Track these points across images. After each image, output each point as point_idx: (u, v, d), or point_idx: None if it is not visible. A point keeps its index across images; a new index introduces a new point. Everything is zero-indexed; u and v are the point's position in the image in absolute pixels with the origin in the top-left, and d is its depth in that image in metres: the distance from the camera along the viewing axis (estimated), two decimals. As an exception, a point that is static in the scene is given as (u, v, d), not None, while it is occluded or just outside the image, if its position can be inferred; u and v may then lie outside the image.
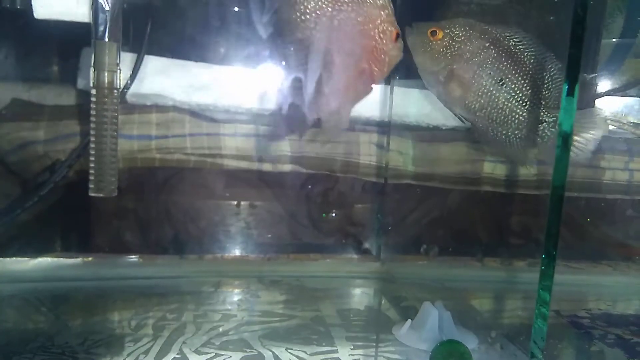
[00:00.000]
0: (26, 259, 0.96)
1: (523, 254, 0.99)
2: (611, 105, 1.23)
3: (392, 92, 1.08)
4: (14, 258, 0.96)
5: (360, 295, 1.01)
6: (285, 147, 1.08)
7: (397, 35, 0.74)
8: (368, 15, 0.72)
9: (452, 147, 1.09)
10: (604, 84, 1.24)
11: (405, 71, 1.08)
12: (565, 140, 0.58)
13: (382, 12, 0.73)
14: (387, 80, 1.10)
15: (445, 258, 1.05)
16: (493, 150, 0.99)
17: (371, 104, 1.08)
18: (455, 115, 0.91)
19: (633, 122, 1.21)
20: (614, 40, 1.24)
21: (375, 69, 0.75)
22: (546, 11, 0.98)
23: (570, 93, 0.59)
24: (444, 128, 1.09)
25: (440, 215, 1.13)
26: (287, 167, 1.09)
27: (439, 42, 0.83)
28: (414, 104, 1.08)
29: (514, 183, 1.09)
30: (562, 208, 0.58)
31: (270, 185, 1.13)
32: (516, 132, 0.84)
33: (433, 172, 1.10)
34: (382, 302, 0.98)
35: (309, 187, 1.14)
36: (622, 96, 1.20)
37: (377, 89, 1.08)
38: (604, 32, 1.23)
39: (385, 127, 1.10)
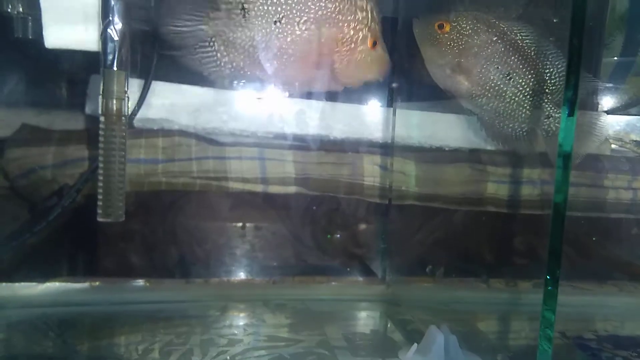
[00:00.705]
0: (34, 283, 0.97)
1: (528, 275, 0.99)
2: (614, 124, 1.23)
3: (394, 114, 1.10)
4: (23, 283, 0.96)
5: (365, 319, 1.01)
6: (289, 169, 1.09)
7: (374, 43, 0.75)
8: (342, 9, 0.73)
9: (455, 168, 1.10)
10: (606, 103, 1.25)
11: (406, 94, 1.10)
12: (566, 160, 0.59)
13: (359, 12, 0.73)
14: (389, 103, 1.12)
15: (450, 279, 1.05)
16: (499, 143, 0.99)
17: (374, 126, 1.10)
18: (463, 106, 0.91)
19: (635, 141, 1.21)
20: (615, 58, 1.25)
21: (338, 62, 0.76)
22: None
23: (571, 114, 0.60)
24: (446, 149, 1.10)
25: (445, 236, 1.13)
26: (291, 189, 1.10)
27: (446, 35, 0.83)
28: (416, 126, 1.09)
29: (518, 203, 1.09)
30: (563, 228, 0.58)
31: (275, 207, 1.14)
32: (522, 125, 0.85)
33: (437, 193, 1.11)
34: (388, 325, 0.97)
35: (314, 208, 1.15)
36: (624, 115, 1.21)
37: (380, 112, 1.10)
38: (605, 51, 1.24)
39: (388, 149, 1.11)
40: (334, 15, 0.74)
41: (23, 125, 1.07)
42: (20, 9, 0.85)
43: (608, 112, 1.24)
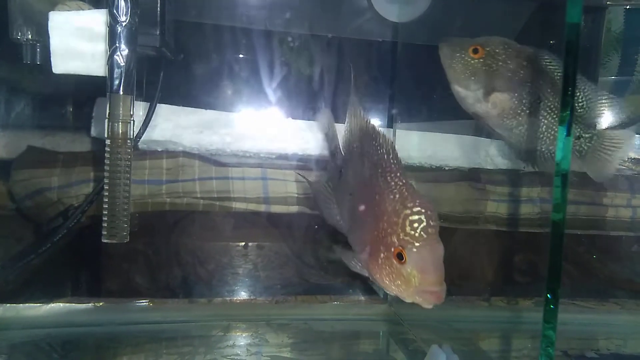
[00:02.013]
0: (38, 304, 0.97)
1: (529, 293, 0.99)
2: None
3: (394, 135, 1.11)
4: (27, 304, 0.97)
5: (368, 338, 1.01)
6: (292, 188, 1.10)
7: (399, 256, 0.60)
8: (382, 204, 0.64)
9: (456, 186, 1.11)
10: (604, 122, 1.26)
11: (407, 115, 1.11)
12: (564, 179, 0.60)
13: (392, 215, 0.62)
14: (390, 124, 1.13)
15: (452, 298, 1.05)
16: (528, 165, 0.98)
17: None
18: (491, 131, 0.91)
19: (634, 159, 1.22)
20: (612, 77, 1.27)
21: (367, 254, 0.65)
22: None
23: (568, 134, 0.61)
24: (446, 168, 1.11)
25: (446, 255, 1.13)
26: (293, 209, 1.11)
27: (481, 60, 0.81)
28: (416, 146, 1.10)
29: (518, 221, 1.10)
30: (562, 246, 0.59)
31: (277, 227, 1.15)
32: (550, 147, 0.84)
33: (437, 211, 1.11)
34: (390, 344, 0.97)
35: (316, 227, 1.15)
36: (622, 133, 1.21)
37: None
38: (602, 70, 1.26)
39: (389, 169, 1.12)
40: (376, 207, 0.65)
41: (29, 148, 1.09)
42: (30, 36, 0.87)
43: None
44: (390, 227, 0.61)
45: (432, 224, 0.61)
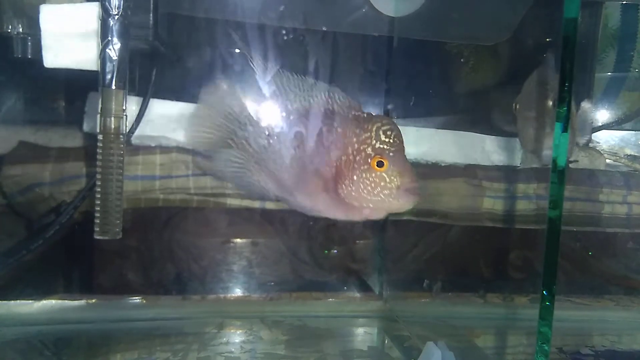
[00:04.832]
0: (30, 301, 0.96)
1: (525, 289, 0.99)
2: (608, 138, 1.24)
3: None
4: (18, 301, 0.96)
5: (363, 335, 1.00)
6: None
7: (379, 163, 0.67)
8: (344, 128, 0.69)
9: (451, 183, 1.10)
10: (600, 118, 1.26)
11: (402, 110, 1.11)
12: (561, 176, 0.59)
13: (362, 132, 0.68)
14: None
15: (447, 295, 1.05)
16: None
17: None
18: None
19: (630, 155, 1.23)
20: (608, 74, 1.27)
21: (338, 182, 0.69)
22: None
23: (564, 130, 0.60)
24: (442, 165, 1.11)
25: (442, 251, 1.13)
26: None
27: None
28: (411, 142, 1.09)
29: (514, 218, 1.09)
30: (559, 243, 0.59)
31: (272, 223, 1.14)
32: None
33: (433, 208, 1.11)
34: (385, 341, 0.97)
35: (311, 224, 1.15)
36: (618, 129, 1.22)
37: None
38: (598, 67, 1.26)
39: (384, 165, 1.12)
40: (336, 136, 0.70)
41: (20, 143, 1.08)
42: (20, 30, 0.86)
43: (602, 127, 1.26)
44: (364, 143, 0.67)
45: (399, 132, 0.69)
